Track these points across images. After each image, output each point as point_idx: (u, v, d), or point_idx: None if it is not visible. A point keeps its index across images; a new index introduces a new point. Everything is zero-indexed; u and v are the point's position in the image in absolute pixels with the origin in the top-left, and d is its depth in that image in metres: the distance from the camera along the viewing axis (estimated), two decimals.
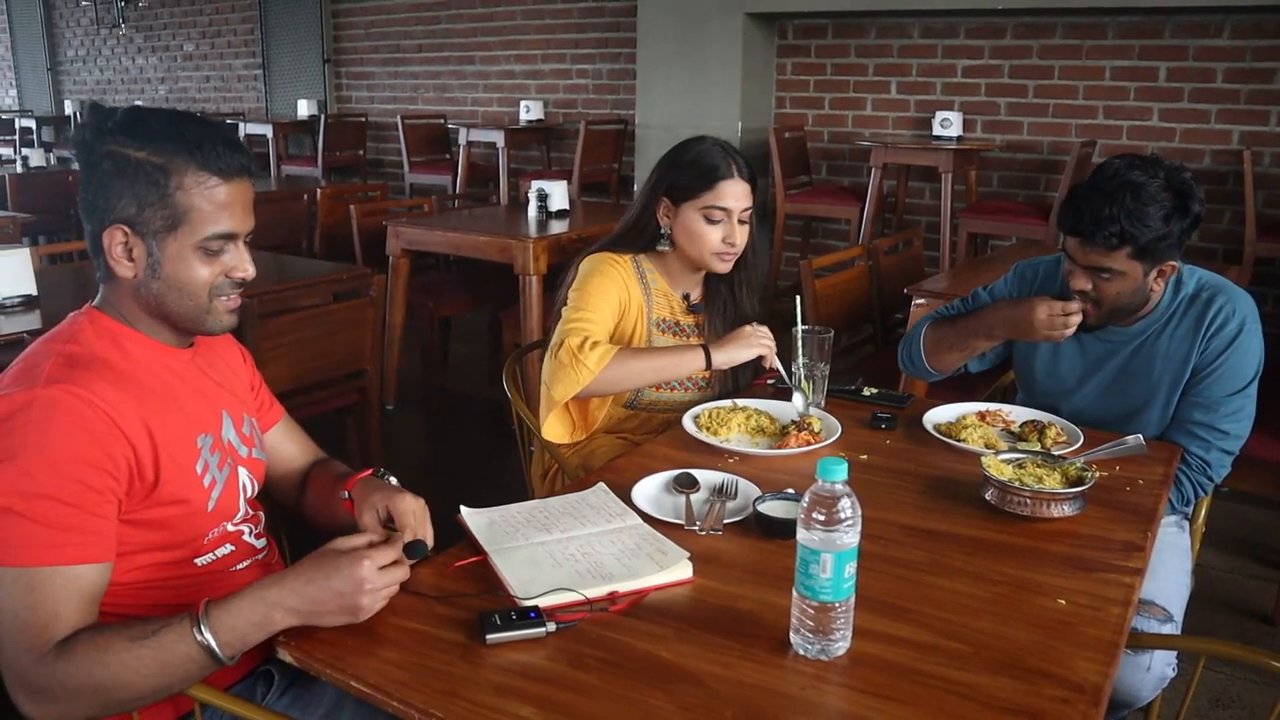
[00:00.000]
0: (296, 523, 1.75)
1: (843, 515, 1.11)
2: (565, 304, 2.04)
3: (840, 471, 1.12)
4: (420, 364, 4.54)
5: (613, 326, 2.03)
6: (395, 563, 1.19)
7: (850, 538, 1.12)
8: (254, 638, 1.15)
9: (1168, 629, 1.74)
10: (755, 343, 1.96)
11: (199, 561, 1.38)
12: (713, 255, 2.01)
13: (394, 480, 1.46)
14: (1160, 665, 1.68)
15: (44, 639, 1.14)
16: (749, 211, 2.02)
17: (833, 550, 1.11)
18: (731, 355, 1.96)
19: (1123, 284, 1.84)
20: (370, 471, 1.48)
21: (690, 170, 2.00)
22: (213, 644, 1.13)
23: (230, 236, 1.30)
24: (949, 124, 5.27)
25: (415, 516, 1.36)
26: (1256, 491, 3.01)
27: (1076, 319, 1.87)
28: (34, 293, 2.80)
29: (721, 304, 2.12)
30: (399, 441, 3.98)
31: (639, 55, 6.08)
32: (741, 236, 2.01)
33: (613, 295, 2.02)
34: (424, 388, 4.52)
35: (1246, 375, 1.91)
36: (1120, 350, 1.98)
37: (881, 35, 5.67)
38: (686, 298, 2.12)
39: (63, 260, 3.56)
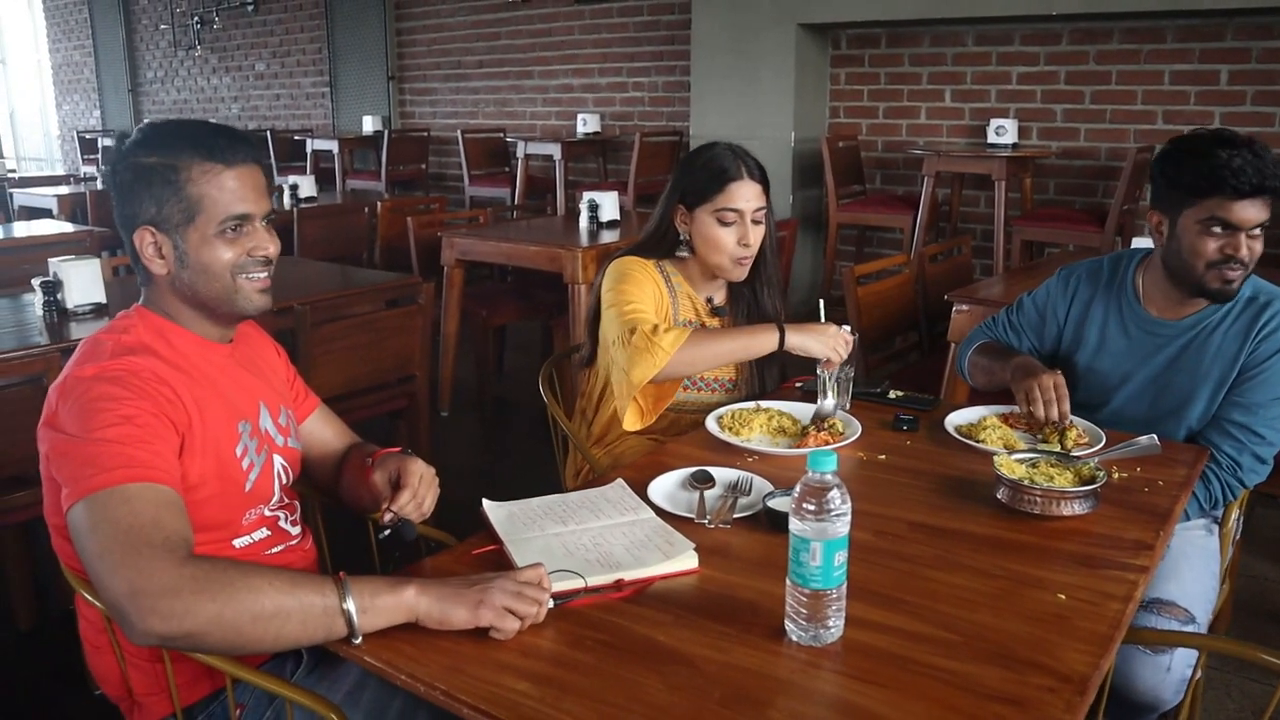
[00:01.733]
0: (332, 511, 1.84)
1: (832, 505, 1.15)
2: (603, 304, 2.09)
3: (829, 463, 1.16)
4: (475, 371, 4.64)
5: (653, 307, 2.07)
6: (533, 601, 1.20)
7: (840, 527, 1.16)
8: (384, 600, 1.18)
9: (1190, 631, 1.73)
10: (830, 344, 1.95)
11: (237, 544, 1.47)
12: (731, 260, 2.05)
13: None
14: (1181, 666, 1.67)
15: (167, 540, 1.17)
16: (762, 211, 2.05)
17: (823, 539, 1.15)
18: (805, 342, 1.95)
19: (1262, 239, 1.86)
20: (399, 449, 1.56)
21: (701, 175, 2.05)
22: (348, 593, 1.16)
23: (245, 217, 1.39)
24: (1004, 131, 5.23)
25: (422, 480, 1.46)
26: None
27: (1054, 410, 1.84)
28: (104, 300, 2.96)
29: (745, 306, 2.16)
30: (451, 446, 4.08)
31: (693, 67, 6.14)
32: (756, 236, 2.05)
33: (649, 291, 2.07)
34: (478, 394, 4.62)
35: None
36: (1169, 344, 1.98)
37: (935, 43, 5.66)
38: (710, 300, 2.17)
39: (133, 271, 3.73)
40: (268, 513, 1.51)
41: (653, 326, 1.94)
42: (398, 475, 1.48)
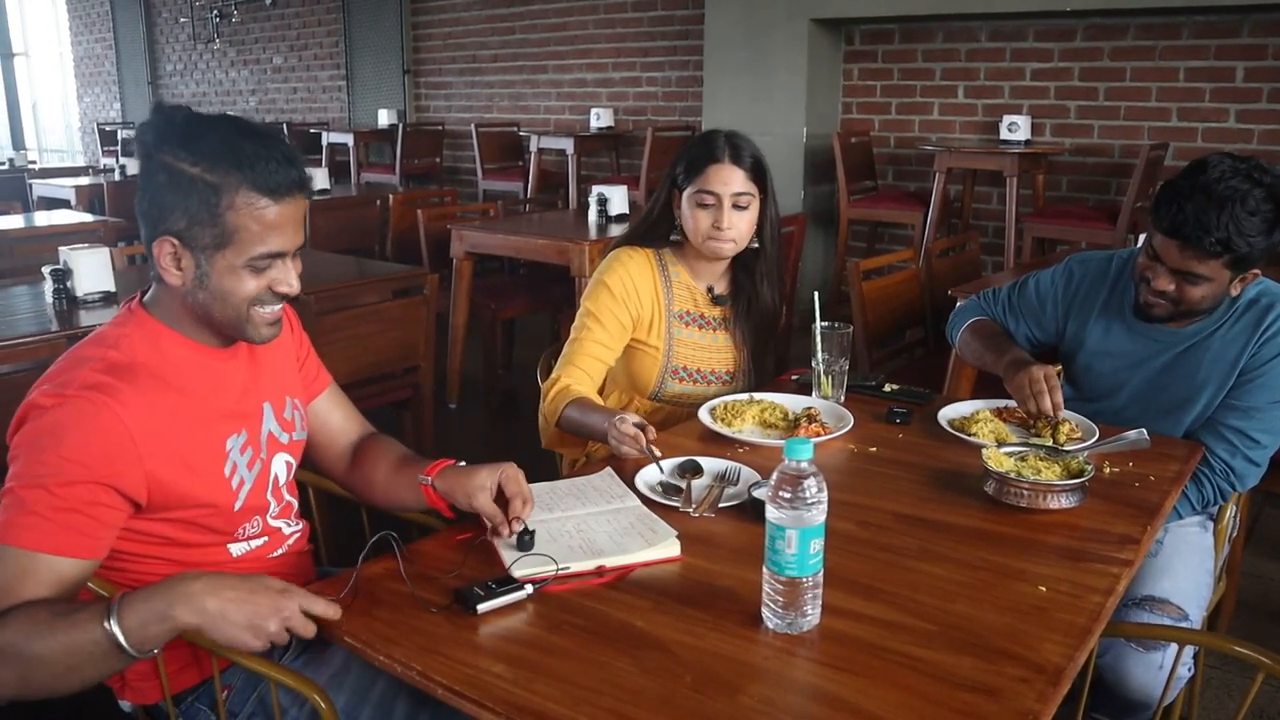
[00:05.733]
0: (330, 503, 1.86)
1: (808, 494, 1.16)
2: (584, 300, 2.10)
3: (806, 451, 1.16)
4: (483, 364, 4.66)
5: (626, 322, 2.08)
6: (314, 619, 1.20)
7: (816, 515, 1.16)
8: (154, 630, 1.16)
9: (1183, 628, 1.72)
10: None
11: (234, 550, 1.47)
12: (705, 240, 2.02)
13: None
14: (1175, 664, 1.67)
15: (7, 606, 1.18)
16: (746, 198, 2.00)
17: (798, 527, 1.16)
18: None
19: (1207, 289, 1.80)
20: (450, 462, 1.52)
21: (687, 158, 2.05)
22: (117, 631, 1.14)
23: (279, 255, 1.32)
24: (1016, 128, 5.20)
25: (520, 483, 1.43)
26: None
27: (1045, 401, 1.83)
28: (113, 289, 2.99)
29: (745, 297, 2.15)
30: (457, 438, 4.10)
31: (706, 62, 6.14)
32: (734, 221, 2.00)
33: (617, 295, 2.06)
34: (486, 387, 4.64)
35: None
36: (1169, 349, 1.96)
37: (949, 39, 5.63)
38: (710, 290, 2.16)
39: (144, 261, 3.76)
40: (271, 522, 1.52)
41: (561, 385, 1.98)
42: (497, 488, 1.43)
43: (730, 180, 1.99)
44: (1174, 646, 1.64)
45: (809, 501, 1.16)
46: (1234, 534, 2.13)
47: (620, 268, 2.08)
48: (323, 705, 1.27)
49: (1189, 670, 1.72)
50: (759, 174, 2.04)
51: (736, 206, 2.00)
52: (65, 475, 1.22)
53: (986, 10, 5.18)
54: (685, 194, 2.04)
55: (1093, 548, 1.43)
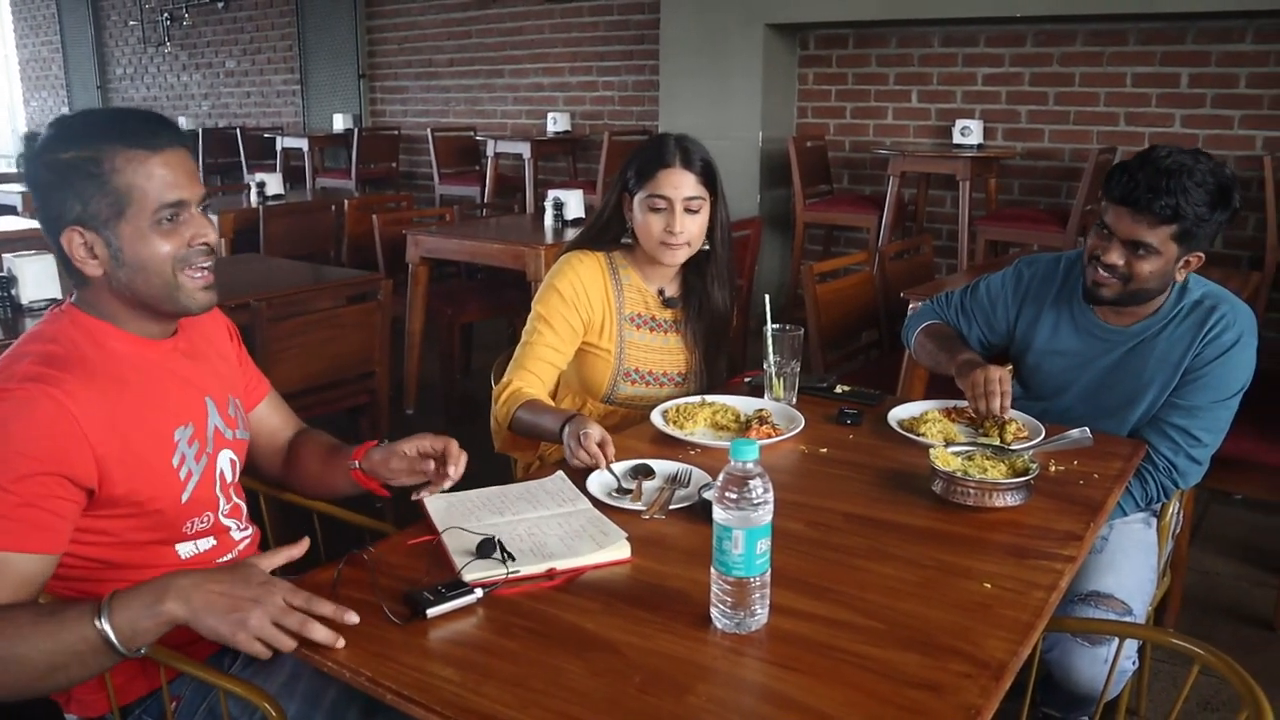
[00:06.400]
0: (279, 510, 1.85)
1: (754, 494, 1.17)
2: (535, 303, 2.11)
3: (751, 452, 1.17)
4: (440, 370, 4.64)
5: (577, 325, 2.08)
6: (301, 612, 1.17)
7: (762, 515, 1.18)
8: (145, 624, 1.16)
9: (1126, 622, 1.76)
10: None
11: (181, 551, 1.45)
12: (658, 245, 2.03)
13: None
14: (1119, 658, 1.70)
15: None
16: (698, 201, 2.02)
17: (744, 527, 1.17)
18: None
19: (1155, 264, 1.85)
20: (374, 443, 1.57)
21: (637, 162, 2.06)
22: (108, 629, 1.15)
23: (180, 204, 1.33)
24: (969, 132, 5.28)
25: (441, 439, 1.51)
26: (1264, 497, 3.00)
27: (995, 402, 1.86)
28: (59, 296, 2.94)
29: (697, 300, 2.16)
30: None
31: (662, 67, 6.16)
32: (684, 225, 2.01)
33: (567, 298, 2.07)
34: (444, 392, 4.62)
35: (1233, 387, 1.92)
36: (1116, 349, 2.00)
37: (902, 44, 5.70)
38: (661, 292, 2.16)
39: None
40: (223, 519, 1.51)
41: (513, 389, 2.00)
42: (441, 453, 1.50)
43: (681, 184, 2.00)
44: (1116, 639, 1.67)
45: (755, 502, 1.17)
46: (1177, 530, 2.18)
47: (570, 271, 2.09)
48: (273, 714, 1.26)
49: (1133, 664, 1.75)
50: (709, 177, 2.05)
51: (688, 210, 2.01)
52: (16, 470, 1.21)
53: (939, 16, 5.25)
54: (636, 198, 2.05)
55: (1037, 545, 1.46)
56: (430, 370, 4.60)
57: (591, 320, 2.09)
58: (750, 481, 1.17)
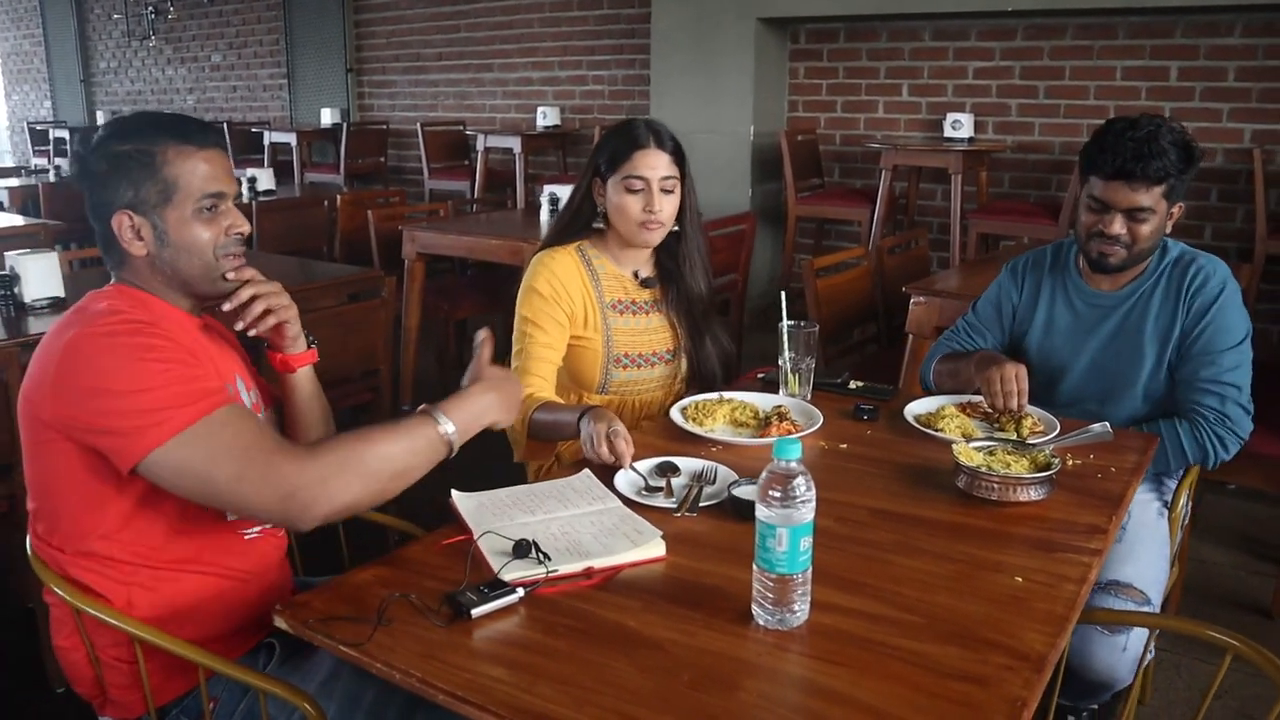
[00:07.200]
0: None
1: (797, 492, 1.18)
2: (516, 305, 2.12)
3: (794, 451, 1.19)
4: (436, 365, 4.64)
5: (563, 321, 2.10)
6: None
7: (805, 513, 1.19)
8: (472, 429, 1.43)
9: (1145, 612, 1.78)
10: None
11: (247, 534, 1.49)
12: (638, 226, 2.07)
13: None
14: (1137, 646, 1.73)
15: (280, 442, 1.31)
16: (671, 181, 2.06)
17: (788, 525, 1.18)
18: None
19: (1153, 223, 1.98)
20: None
21: (610, 145, 2.09)
22: (451, 429, 1.37)
23: (219, 196, 1.45)
24: (960, 125, 5.30)
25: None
26: (1258, 487, 3.04)
27: (1013, 400, 1.90)
28: (62, 294, 2.92)
29: (672, 280, 2.19)
30: None
31: (653, 61, 6.16)
32: (663, 204, 2.05)
33: (548, 297, 2.09)
34: (441, 388, 4.61)
35: (1238, 332, 2.01)
36: (1112, 314, 2.10)
37: (893, 38, 5.72)
38: (636, 274, 2.19)
39: (90, 265, 3.68)
40: None
41: (523, 395, 1.96)
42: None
43: (656, 164, 2.05)
44: (1136, 630, 1.70)
45: (798, 500, 1.18)
46: (1185, 521, 2.21)
47: (545, 270, 2.11)
48: (313, 714, 1.27)
49: (1152, 653, 1.78)
50: (680, 158, 2.11)
51: (664, 190, 2.06)
52: (169, 353, 1.33)
53: (929, 10, 5.27)
54: (610, 182, 2.08)
55: (1063, 538, 1.48)
56: (425, 366, 4.59)
57: (574, 313, 2.11)
58: (794, 480, 1.18)
